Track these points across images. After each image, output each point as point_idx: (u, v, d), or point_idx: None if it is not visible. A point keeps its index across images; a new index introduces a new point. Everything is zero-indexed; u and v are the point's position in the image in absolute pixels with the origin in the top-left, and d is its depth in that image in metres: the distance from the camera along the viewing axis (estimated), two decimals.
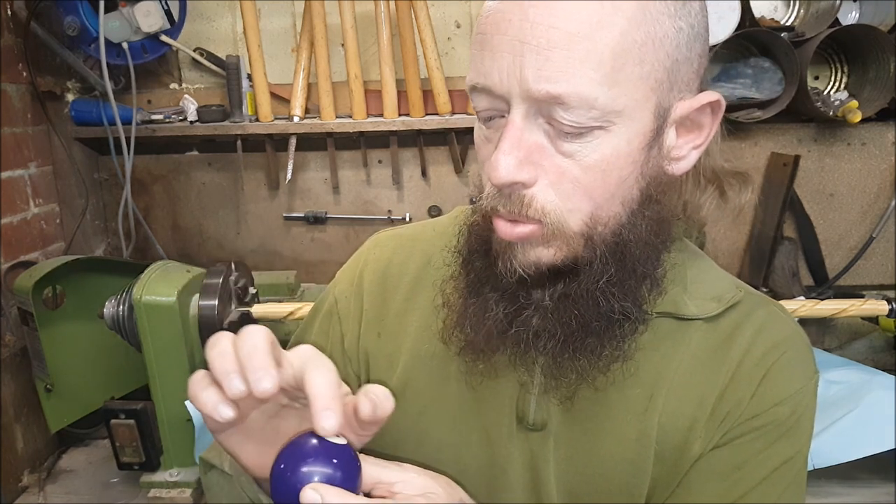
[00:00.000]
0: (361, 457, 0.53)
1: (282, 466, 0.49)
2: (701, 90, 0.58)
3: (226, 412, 0.48)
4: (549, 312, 0.57)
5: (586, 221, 0.55)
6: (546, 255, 0.56)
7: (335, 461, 0.48)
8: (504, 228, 0.55)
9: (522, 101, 0.52)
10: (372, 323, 0.72)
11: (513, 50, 0.50)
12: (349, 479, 0.49)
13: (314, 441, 0.49)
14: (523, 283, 0.57)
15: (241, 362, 0.47)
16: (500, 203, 0.54)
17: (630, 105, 0.52)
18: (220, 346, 0.49)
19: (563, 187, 0.53)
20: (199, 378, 0.49)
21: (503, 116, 0.54)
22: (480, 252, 0.61)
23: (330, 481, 0.48)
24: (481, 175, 0.58)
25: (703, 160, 0.63)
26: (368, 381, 0.72)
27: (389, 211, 1.93)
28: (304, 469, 0.47)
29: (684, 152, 0.58)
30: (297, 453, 0.48)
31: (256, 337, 0.48)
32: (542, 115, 0.52)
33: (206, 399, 0.48)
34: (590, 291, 0.56)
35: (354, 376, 0.73)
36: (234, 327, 1.37)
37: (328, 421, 0.46)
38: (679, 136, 0.58)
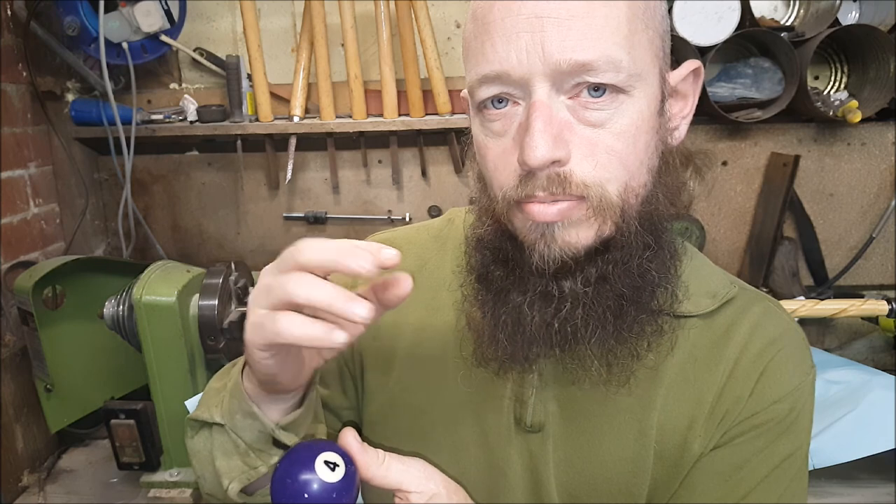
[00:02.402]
0: (391, 455, 0.53)
1: (282, 473, 0.49)
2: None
3: (341, 336, 0.46)
4: (590, 300, 0.55)
5: (621, 192, 0.54)
6: (586, 234, 0.54)
7: (333, 468, 0.49)
8: (540, 210, 0.53)
9: (545, 79, 0.51)
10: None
11: (531, 27, 0.50)
12: (346, 487, 0.49)
13: (313, 449, 0.49)
14: (550, 277, 0.55)
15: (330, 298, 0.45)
16: (538, 187, 0.52)
17: (644, 69, 0.53)
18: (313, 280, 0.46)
19: (598, 158, 0.52)
20: (293, 318, 0.46)
21: (517, 103, 0.53)
22: (497, 262, 0.59)
23: (326, 489, 0.48)
24: (491, 172, 0.56)
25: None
26: (363, 383, 0.72)
27: (389, 211, 1.93)
28: (304, 476, 0.48)
29: (676, 122, 0.59)
30: (297, 461, 0.49)
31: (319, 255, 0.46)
32: (563, 91, 0.52)
33: (315, 333, 0.46)
34: (628, 268, 0.55)
35: (350, 378, 0.73)
36: (234, 327, 1.37)
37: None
38: (671, 108, 0.58)
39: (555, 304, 0.56)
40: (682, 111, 0.60)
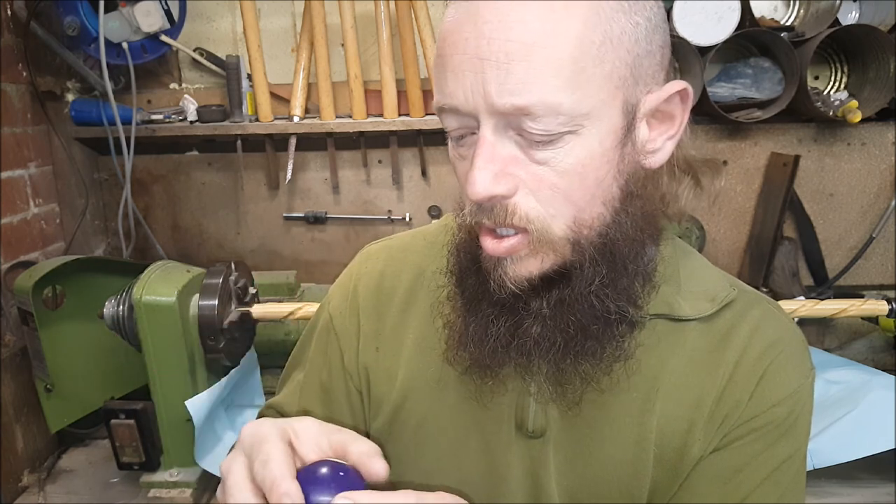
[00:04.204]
0: (381, 493, 0.54)
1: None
2: (667, 80, 0.57)
3: None
4: (547, 320, 0.57)
5: (570, 226, 0.55)
6: (535, 266, 0.56)
7: (344, 488, 0.49)
8: (491, 245, 0.56)
9: (490, 117, 0.52)
10: (369, 337, 0.71)
11: (473, 68, 0.51)
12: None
13: (324, 469, 0.50)
14: (519, 295, 0.57)
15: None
16: (484, 216, 0.55)
17: (597, 106, 0.52)
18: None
19: (543, 194, 0.54)
20: None
21: (474, 133, 0.54)
22: (472, 269, 0.61)
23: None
24: (460, 187, 0.58)
25: (675, 151, 0.62)
26: (370, 396, 0.72)
27: (389, 211, 1.93)
28: (317, 497, 0.48)
29: (659, 144, 0.58)
30: (310, 480, 0.49)
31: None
32: (511, 127, 0.52)
33: None
34: (584, 295, 0.57)
35: (356, 392, 0.73)
36: (234, 327, 1.37)
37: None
38: (652, 129, 0.57)
39: (518, 319, 0.58)
40: (668, 132, 0.58)
